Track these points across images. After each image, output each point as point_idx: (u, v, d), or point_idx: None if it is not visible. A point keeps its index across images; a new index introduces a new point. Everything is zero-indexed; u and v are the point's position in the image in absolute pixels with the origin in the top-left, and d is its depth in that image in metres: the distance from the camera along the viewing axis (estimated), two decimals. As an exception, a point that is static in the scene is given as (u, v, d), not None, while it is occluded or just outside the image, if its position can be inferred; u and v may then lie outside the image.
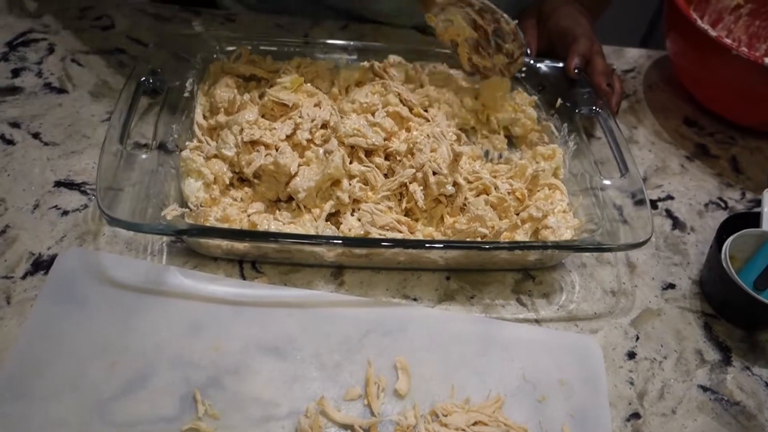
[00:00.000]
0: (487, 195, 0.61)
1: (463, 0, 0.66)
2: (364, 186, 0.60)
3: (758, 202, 0.74)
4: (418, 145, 0.61)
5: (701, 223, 0.71)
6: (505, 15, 0.67)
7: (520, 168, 0.63)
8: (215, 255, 0.59)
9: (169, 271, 0.57)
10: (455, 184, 0.60)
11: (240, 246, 0.57)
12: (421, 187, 0.60)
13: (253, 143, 0.61)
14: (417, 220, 0.61)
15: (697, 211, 0.73)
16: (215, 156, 0.61)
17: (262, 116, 0.64)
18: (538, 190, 0.64)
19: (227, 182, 0.61)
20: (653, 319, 0.61)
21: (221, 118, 0.63)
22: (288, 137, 0.61)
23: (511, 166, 0.65)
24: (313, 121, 0.62)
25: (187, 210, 0.57)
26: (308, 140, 0.62)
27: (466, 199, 0.61)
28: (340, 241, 0.56)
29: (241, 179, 0.63)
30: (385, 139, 0.63)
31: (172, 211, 0.55)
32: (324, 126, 0.63)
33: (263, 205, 0.60)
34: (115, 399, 0.49)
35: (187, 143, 0.62)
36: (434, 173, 0.59)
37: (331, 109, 0.64)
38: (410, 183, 0.60)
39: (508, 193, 0.61)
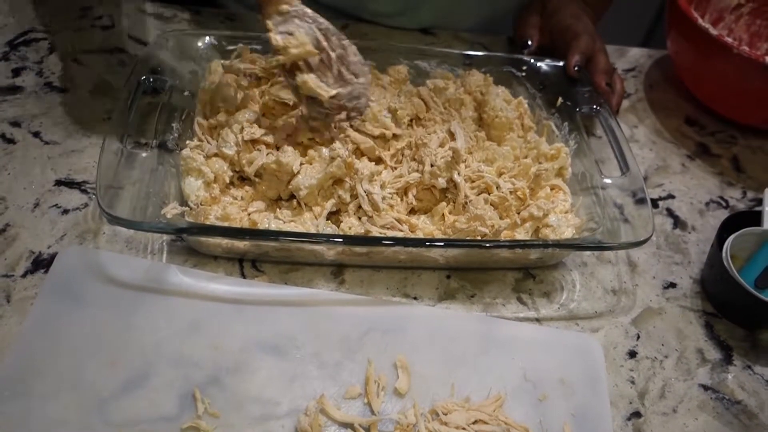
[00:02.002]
0: (489, 194, 0.61)
1: (308, 14, 0.59)
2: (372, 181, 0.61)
3: (759, 201, 0.74)
4: (424, 140, 0.61)
5: (702, 222, 0.71)
6: (354, 46, 0.60)
7: (523, 167, 0.63)
8: (215, 254, 0.59)
9: (169, 269, 0.57)
10: (451, 180, 0.60)
11: (240, 244, 0.57)
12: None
13: (254, 142, 0.61)
14: (417, 212, 0.61)
15: (698, 210, 0.72)
16: (215, 155, 0.61)
17: (263, 115, 0.64)
18: (541, 190, 0.64)
19: (227, 181, 0.61)
20: (654, 318, 0.61)
21: (221, 117, 0.63)
22: (288, 136, 0.61)
23: (514, 165, 0.65)
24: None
25: (187, 209, 0.57)
26: (310, 138, 0.62)
27: (467, 197, 0.61)
28: (341, 240, 0.56)
29: (241, 178, 0.63)
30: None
31: (172, 210, 0.55)
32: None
33: (264, 204, 0.60)
34: (115, 397, 0.49)
35: (187, 142, 0.62)
36: (431, 165, 0.59)
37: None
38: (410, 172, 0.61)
39: (510, 192, 0.61)
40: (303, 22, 0.58)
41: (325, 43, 0.58)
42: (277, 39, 0.57)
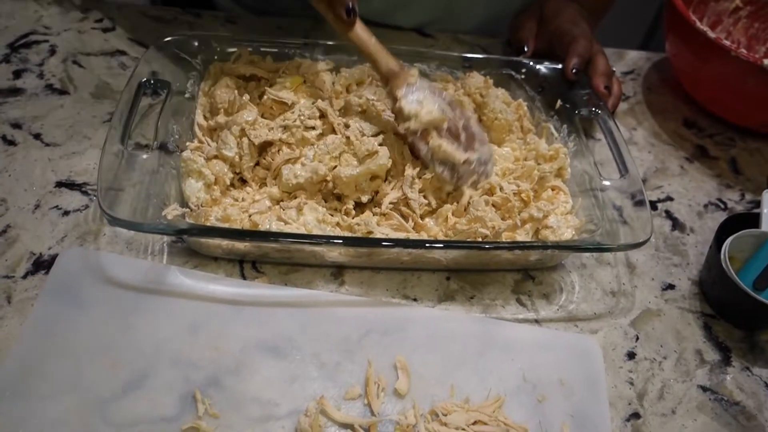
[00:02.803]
0: (491, 195, 0.61)
1: (434, 89, 0.63)
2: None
3: (757, 203, 0.75)
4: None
5: (701, 223, 0.71)
6: (475, 116, 0.65)
7: (527, 169, 0.63)
8: (215, 255, 0.59)
9: (170, 270, 0.58)
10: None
11: (240, 246, 0.57)
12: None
13: (264, 147, 0.62)
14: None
15: (697, 212, 0.73)
16: (216, 157, 0.61)
17: (262, 116, 0.64)
18: (543, 191, 0.64)
19: (228, 183, 0.61)
20: (653, 319, 0.61)
21: (221, 118, 0.64)
22: (285, 129, 0.62)
23: (516, 166, 0.65)
24: (309, 110, 0.64)
25: (188, 210, 0.58)
26: (307, 127, 0.63)
27: (471, 197, 0.61)
28: (341, 241, 0.56)
29: (242, 180, 0.63)
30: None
31: (173, 211, 0.55)
32: (322, 116, 0.64)
33: (267, 203, 0.60)
34: (116, 398, 0.49)
35: (187, 144, 0.62)
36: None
37: (328, 102, 0.65)
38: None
39: (514, 194, 0.61)
40: (430, 93, 0.62)
41: (451, 113, 0.62)
42: (410, 106, 0.61)
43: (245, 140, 0.61)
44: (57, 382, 0.49)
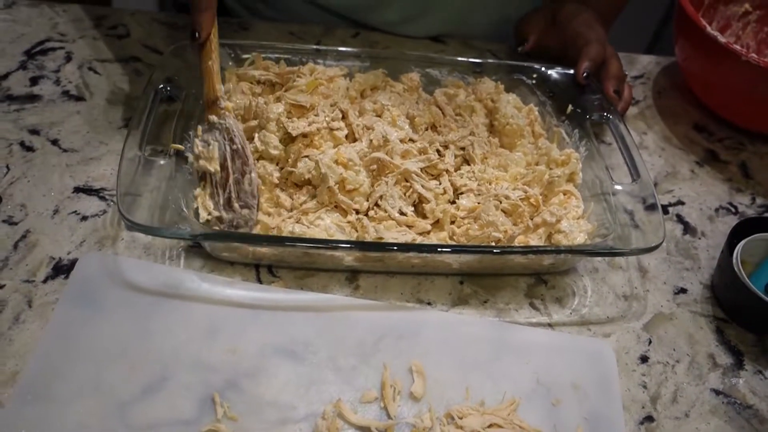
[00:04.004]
0: (500, 202, 0.62)
1: (229, 131, 0.61)
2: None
3: (768, 207, 0.75)
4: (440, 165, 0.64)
5: (712, 228, 0.72)
6: (255, 174, 0.61)
7: (537, 174, 0.64)
8: (232, 259, 0.60)
9: (187, 275, 0.58)
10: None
11: (257, 250, 0.58)
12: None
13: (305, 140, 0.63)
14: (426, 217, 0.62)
15: (708, 216, 0.73)
16: (261, 158, 0.63)
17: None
18: (554, 196, 0.65)
19: (276, 182, 0.62)
20: (665, 323, 0.62)
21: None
22: (305, 136, 0.63)
23: (528, 171, 0.65)
24: (332, 111, 0.65)
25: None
26: (332, 129, 0.64)
27: (479, 203, 0.62)
28: (354, 246, 0.57)
29: (295, 184, 0.64)
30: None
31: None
32: (343, 117, 0.65)
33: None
34: (135, 401, 0.50)
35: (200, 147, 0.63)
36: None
37: (348, 103, 0.66)
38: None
39: (521, 199, 0.61)
40: (221, 137, 0.61)
41: (229, 163, 0.61)
42: (198, 146, 0.61)
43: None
44: (77, 385, 0.50)
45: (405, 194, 0.62)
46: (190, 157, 0.61)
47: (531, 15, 0.86)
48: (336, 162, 0.60)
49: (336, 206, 0.61)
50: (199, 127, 0.62)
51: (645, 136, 0.83)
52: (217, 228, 0.59)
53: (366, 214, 0.61)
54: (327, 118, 0.64)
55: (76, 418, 0.49)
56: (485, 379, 0.54)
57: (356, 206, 0.60)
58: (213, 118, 0.61)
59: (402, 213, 0.61)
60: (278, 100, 0.66)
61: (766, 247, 0.63)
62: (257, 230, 0.60)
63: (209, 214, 0.60)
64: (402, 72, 0.74)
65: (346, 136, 0.65)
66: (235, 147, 0.61)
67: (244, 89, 0.68)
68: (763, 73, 0.73)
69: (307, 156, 0.62)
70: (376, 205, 0.61)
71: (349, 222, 0.60)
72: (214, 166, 0.60)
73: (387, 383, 0.53)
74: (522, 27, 0.86)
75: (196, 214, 0.59)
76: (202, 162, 0.60)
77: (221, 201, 0.60)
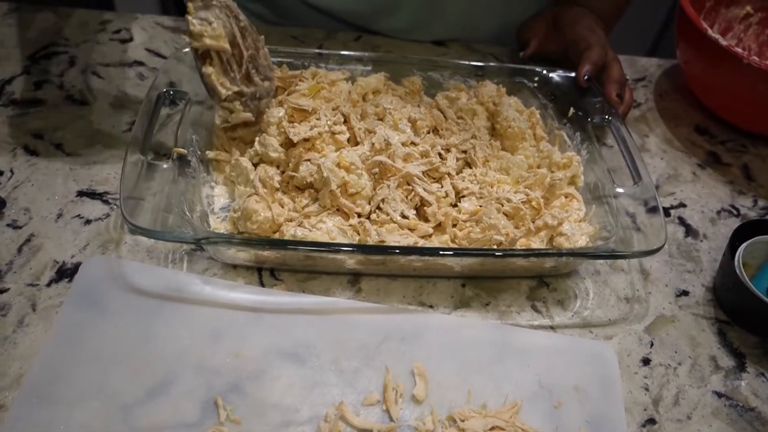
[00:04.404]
0: (502, 205, 0.62)
1: (231, 9, 0.59)
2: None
3: (771, 210, 0.75)
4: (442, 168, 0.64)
5: (714, 230, 0.72)
6: (266, 49, 0.62)
7: (539, 177, 0.64)
8: (235, 263, 0.60)
9: (190, 278, 0.59)
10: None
11: (260, 254, 0.58)
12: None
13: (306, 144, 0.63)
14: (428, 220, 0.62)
15: (710, 219, 0.73)
16: (261, 161, 0.63)
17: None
18: (556, 199, 0.65)
19: (276, 186, 0.62)
20: (667, 325, 0.62)
21: (240, 131, 0.65)
22: (306, 141, 0.63)
23: (530, 174, 0.66)
24: (334, 115, 0.65)
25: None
26: (334, 133, 0.64)
27: (480, 206, 0.62)
28: (356, 249, 0.57)
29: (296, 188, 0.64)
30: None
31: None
32: (345, 120, 0.65)
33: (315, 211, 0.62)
34: (139, 404, 0.50)
35: (207, 152, 0.64)
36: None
37: (350, 107, 0.66)
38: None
39: (523, 202, 0.62)
40: (224, 15, 0.59)
41: (240, 40, 0.59)
42: (194, 24, 0.58)
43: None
44: (81, 388, 0.50)
45: (407, 197, 0.62)
46: (187, 37, 0.59)
47: (532, 20, 0.86)
48: (338, 165, 0.60)
49: (338, 210, 0.61)
50: (190, 5, 0.58)
51: (647, 139, 0.83)
52: (238, 102, 0.60)
53: (368, 218, 0.61)
54: (329, 122, 0.64)
55: (80, 420, 0.49)
56: (487, 382, 0.55)
57: (358, 210, 0.61)
58: None
59: (404, 216, 0.61)
60: (281, 104, 0.66)
61: (767, 250, 0.63)
62: (258, 230, 0.59)
63: (227, 90, 0.59)
64: (404, 75, 0.75)
65: (348, 140, 0.65)
66: (242, 24, 0.60)
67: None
68: (764, 75, 0.73)
69: (308, 160, 0.62)
70: (378, 208, 0.61)
71: (351, 225, 0.60)
72: (223, 44, 0.58)
73: (389, 386, 0.53)
74: (523, 32, 0.86)
75: (203, 217, 0.59)
76: (207, 40, 0.58)
77: (238, 77, 0.59)
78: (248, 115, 0.62)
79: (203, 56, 0.59)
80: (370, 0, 0.86)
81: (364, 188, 0.61)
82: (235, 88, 0.59)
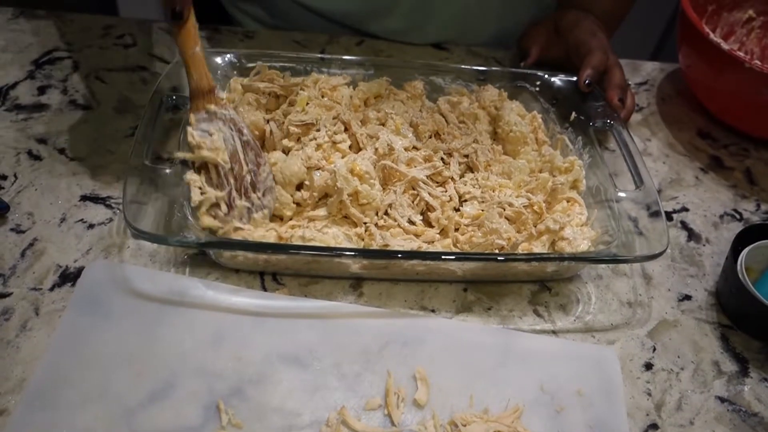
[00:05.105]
0: (504, 209, 0.62)
1: (236, 122, 0.60)
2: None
3: (773, 214, 0.75)
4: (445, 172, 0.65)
5: (716, 234, 0.72)
6: (268, 165, 0.60)
7: (541, 181, 0.64)
8: (237, 267, 0.60)
9: (193, 282, 0.59)
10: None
11: (262, 258, 0.58)
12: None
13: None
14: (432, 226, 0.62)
15: (712, 223, 0.73)
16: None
17: (287, 136, 0.65)
18: (557, 203, 0.65)
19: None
20: (670, 330, 0.62)
21: None
22: (318, 147, 0.63)
23: (531, 179, 0.66)
24: (334, 125, 0.65)
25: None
26: (335, 142, 0.64)
27: (482, 210, 0.62)
28: (359, 253, 0.57)
29: None
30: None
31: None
32: (346, 129, 0.65)
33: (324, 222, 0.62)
34: (141, 408, 0.50)
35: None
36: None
37: (350, 114, 0.66)
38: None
39: (525, 206, 0.62)
40: (226, 128, 0.59)
41: (241, 155, 0.59)
42: (194, 135, 0.57)
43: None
44: (84, 392, 0.51)
45: (413, 202, 0.62)
46: (178, 152, 0.58)
47: (532, 28, 0.86)
48: (351, 172, 0.60)
49: (345, 216, 0.61)
50: (192, 116, 0.58)
51: (649, 143, 0.83)
52: (227, 212, 0.58)
53: (375, 224, 0.61)
54: (329, 132, 0.64)
55: (83, 424, 0.49)
56: (489, 387, 0.54)
57: (366, 220, 0.60)
58: (212, 107, 0.59)
59: (411, 222, 0.61)
60: (285, 114, 0.66)
61: (770, 254, 0.63)
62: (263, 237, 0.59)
63: (202, 197, 0.57)
64: (406, 80, 0.75)
65: (350, 147, 0.65)
66: (245, 138, 0.60)
67: (250, 100, 0.69)
68: (766, 79, 0.73)
69: (320, 168, 0.62)
70: (386, 213, 0.62)
71: (357, 234, 0.60)
72: (222, 157, 0.57)
73: (391, 390, 0.53)
74: (524, 40, 0.86)
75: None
76: (205, 153, 0.57)
77: (233, 192, 0.58)
78: (218, 225, 0.59)
79: (199, 167, 0.58)
80: (364, 1, 0.86)
81: (374, 199, 0.60)
82: (220, 193, 0.57)
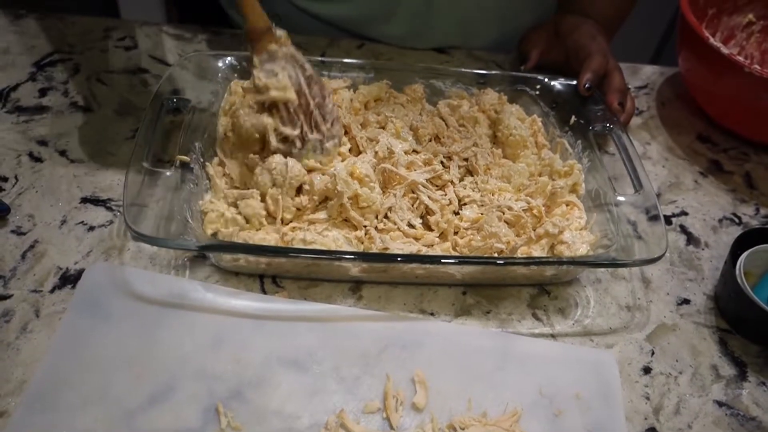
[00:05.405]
0: (503, 213, 0.62)
1: (297, 59, 0.60)
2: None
3: (772, 218, 0.75)
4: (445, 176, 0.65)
5: (715, 238, 0.72)
6: (331, 97, 0.62)
7: (540, 185, 0.64)
8: (237, 270, 0.61)
9: (192, 285, 0.59)
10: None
11: (262, 261, 0.58)
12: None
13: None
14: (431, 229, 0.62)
15: (711, 227, 0.73)
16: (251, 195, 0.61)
17: None
18: (557, 207, 0.65)
19: (264, 223, 0.60)
20: (668, 334, 0.62)
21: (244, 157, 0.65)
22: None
23: (531, 182, 0.66)
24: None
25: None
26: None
27: (482, 214, 0.62)
28: (359, 257, 0.57)
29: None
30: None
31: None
32: (346, 132, 0.65)
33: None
34: (141, 410, 0.50)
35: (207, 166, 0.63)
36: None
37: (350, 117, 0.66)
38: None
39: (524, 210, 0.62)
40: (289, 65, 0.59)
41: (306, 90, 0.60)
42: (260, 77, 0.59)
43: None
44: (85, 394, 0.51)
45: (413, 205, 0.63)
46: (251, 88, 0.59)
47: (532, 32, 0.87)
48: (351, 175, 0.60)
49: (345, 220, 0.61)
50: (255, 59, 0.59)
51: (649, 147, 0.83)
52: (301, 147, 0.60)
53: (375, 227, 0.61)
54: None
55: (83, 426, 0.49)
56: (488, 390, 0.55)
57: (366, 223, 0.61)
58: (273, 46, 0.59)
59: (411, 225, 0.61)
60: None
61: (769, 258, 0.63)
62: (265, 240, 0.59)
63: (283, 139, 0.59)
64: (406, 83, 0.75)
65: (350, 150, 0.65)
66: (308, 73, 0.60)
67: (251, 103, 0.69)
68: (765, 84, 0.73)
69: (320, 171, 0.62)
70: (385, 216, 0.62)
71: (357, 237, 0.60)
72: (289, 94, 0.59)
73: (390, 393, 0.53)
74: (524, 44, 0.86)
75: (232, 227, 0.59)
76: (274, 93, 0.58)
77: (305, 126, 0.59)
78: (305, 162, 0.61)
79: (269, 107, 0.60)
80: (365, 7, 0.86)
81: (374, 202, 0.60)
82: (296, 132, 0.60)
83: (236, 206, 0.60)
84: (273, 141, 0.59)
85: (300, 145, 0.60)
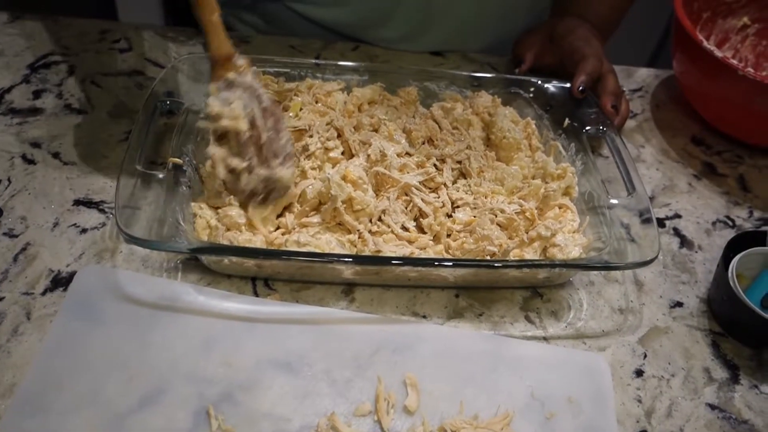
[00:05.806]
0: (495, 216, 0.62)
1: (254, 89, 0.59)
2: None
3: (766, 221, 0.75)
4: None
5: (709, 241, 0.72)
6: (288, 131, 0.61)
7: (533, 188, 0.64)
8: (229, 272, 0.60)
9: (184, 288, 0.59)
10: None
11: (254, 264, 0.58)
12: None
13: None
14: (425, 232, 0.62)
15: (705, 230, 0.73)
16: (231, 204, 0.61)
17: None
18: (550, 210, 0.65)
19: (243, 231, 0.60)
20: (661, 337, 0.62)
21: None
22: (309, 156, 0.63)
23: (524, 185, 0.66)
24: (327, 131, 0.65)
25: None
26: (327, 149, 0.64)
27: (474, 217, 0.62)
28: (351, 259, 0.57)
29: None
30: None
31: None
32: (339, 135, 0.65)
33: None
34: (132, 413, 0.50)
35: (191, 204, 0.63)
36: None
37: (343, 120, 0.66)
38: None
39: (517, 213, 0.62)
40: (245, 95, 0.59)
41: (260, 122, 0.58)
42: (214, 105, 0.58)
43: None
44: (75, 397, 0.51)
45: (406, 208, 0.63)
46: (201, 121, 0.60)
47: (527, 35, 0.87)
48: (344, 179, 0.60)
49: (338, 224, 0.61)
50: (212, 86, 0.59)
51: (643, 149, 0.83)
52: (239, 185, 0.58)
53: (369, 230, 0.61)
54: (321, 138, 0.64)
55: (74, 429, 0.49)
56: (479, 393, 0.55)
57: (360, 226, 0.61)
58: (231, 75, 0.59)
59: (404, 228, 0.61)
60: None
61: (762, 261, 0.63)
62: (257, 243, 0.59)
63: (230, 171, 0.58)
64: (400, 85, 0.75)
65: (342, 153, 0.65)
66: (264, 105, 0.59)
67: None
68: (759, 87, 0.73)
69: (312, 179, 0.62)
70: (379, 219, 0.62)
71: (350, 240, 0.60)
72: (242, 125, 0.57)
73: (381, 396, 0.53)
74: (519, 48, 0.86)
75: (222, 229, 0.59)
76: (225, 122, 0.57)
77: (254, 161, 0.58)
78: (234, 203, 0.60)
79: (220, 136, 0.59)
80: (361, 11, 0.86)
81: (368, 205, 0.60)
82: (244, 164, 0.58)
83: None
84: (221, 172, 0.58)
85: (246, 180, 0.59)
